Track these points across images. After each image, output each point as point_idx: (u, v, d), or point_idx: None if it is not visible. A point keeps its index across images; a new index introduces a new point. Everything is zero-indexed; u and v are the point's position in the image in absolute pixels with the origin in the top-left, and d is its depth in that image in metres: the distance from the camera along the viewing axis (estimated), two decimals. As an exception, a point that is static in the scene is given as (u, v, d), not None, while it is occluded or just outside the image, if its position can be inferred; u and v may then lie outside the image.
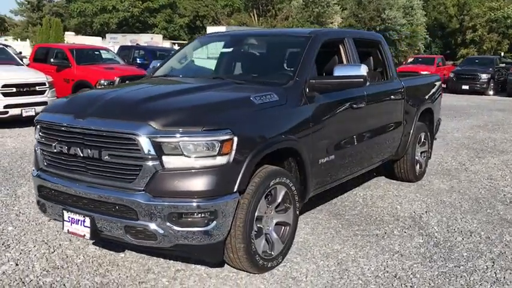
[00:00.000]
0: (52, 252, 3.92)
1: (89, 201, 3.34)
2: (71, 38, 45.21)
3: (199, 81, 4.18)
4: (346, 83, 4.12)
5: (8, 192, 5.54)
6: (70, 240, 4.15)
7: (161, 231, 3.15)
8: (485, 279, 3.70)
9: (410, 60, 25.88)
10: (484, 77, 21.51)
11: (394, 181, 6.45)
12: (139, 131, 3.10)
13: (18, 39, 46.90)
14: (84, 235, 3.37)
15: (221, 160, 3.18)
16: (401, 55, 55.73)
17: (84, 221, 3.35)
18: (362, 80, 4.08)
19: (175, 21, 55.96)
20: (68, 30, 48.84)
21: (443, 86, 23.69)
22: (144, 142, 3.09)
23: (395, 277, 3.70)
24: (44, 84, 10.66)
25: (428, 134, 6.60)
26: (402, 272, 3.79)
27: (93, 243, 4.08)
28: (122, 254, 3.94)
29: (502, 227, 4.84)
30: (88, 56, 13.58)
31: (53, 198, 3.58)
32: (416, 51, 57.39)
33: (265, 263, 3.60)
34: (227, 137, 3.19)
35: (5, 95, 9.94)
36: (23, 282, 3.42)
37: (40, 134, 3.61)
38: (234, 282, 3.54)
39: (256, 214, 3.47)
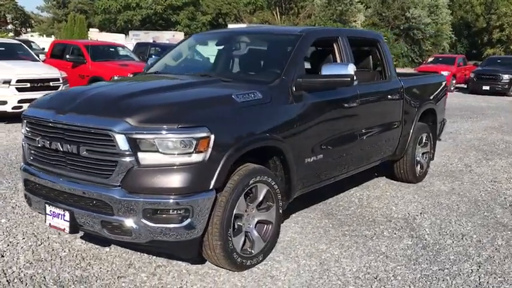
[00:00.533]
0: (39, 245, 4.00)
1: (69, 195, 3.40)
2: (95, 35, 45.84)
3: (185, 79, 4.20)
4: (333, 82, 4.09)
5: (9, 185, 5.65)
6: (59, 234, 4.22)
7: (136, 227, 3.19)
8: (468, 283, 3.65)
9: (430, 59, 25.47)
10: (506, 77, 21.04)
11: (394, 182, 6.39)
12: (115, 127, 3.14)
13: (44, 35, 47.77)
14: (64, 229, 3.43)
15: (197, 158, 3.20)
16: (425, 54, 54.96)
17: (64, 215, 3.40)
18: (349, 79, 4.05)
19: (198, 18, 56.23)
20: (92, 27, 49.58)
21: (464, 86, 23.44)
22: (120, 138, 3.13)
23: (375, 278, 3.67)
24: (57, 79, 10.83)
25: (431, 134, 6.50)
26: (384, 273, 3.76)
27: (81, 237, 4.14)
28: (107, 249, 3.99)
29: (496, 230, 4.76)
30: (103, 52, 13.76)
31: (37, 192, 3.65)
32: (441, 50, 56.53)
33: (244, 260, 3.61)
34: (203, 134, 3.20)
35: (19, 90, 10.12)
36: (5, 274, 3.49)
37: (26, 128, 3.69)
38: (212, 279, 3.55)
39: (234, 212, 3.48)
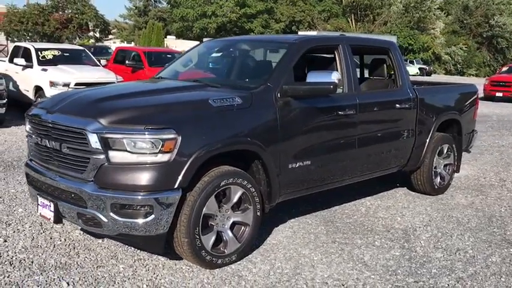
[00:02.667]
0: (40, 233, 4.37)
1: (54, 188, 3.73)
2: (172, 42, 47.77)
3: (174, 84, 4.43)
4: (316, 89, 4.15)
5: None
6: (63, 225, 4.57)
7: (105, 220, 3.44)
8: (438, 297, 3.57)
9: (504, 69, 24.14)
10: None
11: (413, 193, 6.25)
12: (88, 127, 3.41)
13: (125, 42, 50.41)
14: (50, 218, 3.75)
15: (162, 157, 3.40)
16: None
17: (50, 206, 3.73)
18: (331, 86, 4.09)
19: (272, 26, 56.88)
20: (170, 35, 51.65)
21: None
22: (92, 137, 3.40)
23: (343, 286, 3.69)
24: (113, 83, 11.51)
25: (454, 146, 6.30)
26: (354, 281, 3.76)
27: (80, 229, 4.46)
28: (99, 240, 4.28)
29: (498, 247, 4.57)
30: (160, 59, 14.38)
31: (33, 184, 4.02)
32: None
33: (214, 259, 3.76)
34: (169, 136, 3.40)
35: (76, 92, 10.85)
36: (0, 256, 3.87)
37: (28, 126, 4.07)
38: (183, 274, 3.73)
39: (204, 211, 3.64)
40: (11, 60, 12.73)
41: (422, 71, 49.13)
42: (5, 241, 4.19)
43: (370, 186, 6.26)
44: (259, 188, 4.04)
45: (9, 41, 30.71)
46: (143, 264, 3.87)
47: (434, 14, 59.69)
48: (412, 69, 49.41)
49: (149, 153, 3.39)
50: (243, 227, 3.98)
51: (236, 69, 4.89)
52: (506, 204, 5.96)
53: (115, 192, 3.41)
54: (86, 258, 3.93)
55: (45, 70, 11.52)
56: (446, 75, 55.04)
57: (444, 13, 62.97)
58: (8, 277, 3.55)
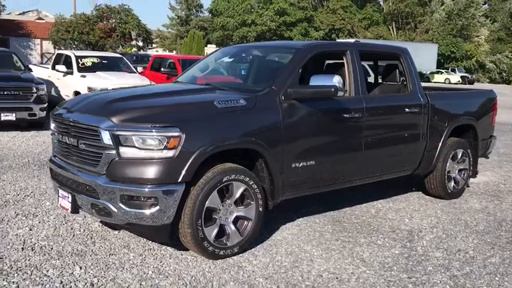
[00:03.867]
0: (63, 224, 4.74)
1: (72, 181, 4.08)
2: (212, 50, 48.63)
3: (185, 87, 4.74)
4: (318, 92, 4.37)
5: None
6: (84, 217, 4.93)
7: (115, 210, 3.75)
8: (428, 292, 3.70)
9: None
10: None
11: (427, 197, 6.33)
12: (101, 125, 3.75)
13: (167, 51, 51.64)
14: (68, 209, 4.11)
15: (167, 153, 3.70)
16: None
17: (68, 197, 4.08)
18: (332, 89, 4.30)
19: (311, 34, 57.06)
20: (210, 43, 52.54)
21: None
22: (105, 134, 3.73)
23: (336, 279, 3.87)
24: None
25: (469, 151, 6.35)
26: (348, 275, 3.93)
27: (100, 221, 4.81)
28: (115, 232, 4.61)
29: (500, 249, 4.63)
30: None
31: (55, 178, 4.39)
32: None
33: (216, 250, 4.01)
34: (174, 133, 3.70)
35: (112, 98, 11.38)
36: (24, 243, 4.25)
37: (52, 125, 4.45)
38: (187, 263, 4.01)
39: (207, 205, 3.91)
40: (53, 67, 13.45)
41: (464, 80, 48.10)
42: (30, 230, 4.58)
43: (384, 189, 6.39)
44: (262, 185, 4.27)
45: (56, 50, 32.07)
46: (152, 254, 4.16)
47: (478, 21, 58.45)
48: (454, 77, 48.53)
49: (155, 149, 3.69)
50: (245, 222, 4.22)
51: (246, 73, 5.15)
52: (520, 209, 5.97)
53: (124, 184, 3.72)
54: (101, 247, 4.26)
55: (84, 76, 12.14)
56: (491, 83, 53.60)
57: (490, 20, 61.55)
58: (28, 260, 3.91)
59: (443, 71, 50.87)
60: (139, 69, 16.08)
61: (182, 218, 3.86)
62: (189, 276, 3.78)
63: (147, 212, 3.72)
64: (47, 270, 3.74)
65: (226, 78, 5.52)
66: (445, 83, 47.05)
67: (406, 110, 5.47)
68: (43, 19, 37.41)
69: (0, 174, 6.61)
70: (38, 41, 35.06)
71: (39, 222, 4.79)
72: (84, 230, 4.63)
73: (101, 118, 3.81)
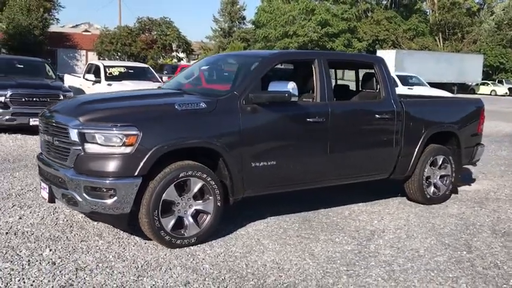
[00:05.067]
0: (50, 215, 5.27)
1: (50, 174, 4.59)
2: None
3: (156, 91, 5.20)
4: (274, 97, 4.73)
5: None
6: (71, 210, 5.43)
7: (80, 199, 4.23)
8: (348, 280, 3.95)
9: None
10: None
11: (409, 202, 6.48)
12: (70, 123, 4.25)
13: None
14: (46, 198, 4.63)
15: (125, 150, 4.15)
16: None
17: (46, 188, 4.60)
18: (286, 95, 4.65)
19: (354, 45, 56.89)
20: (253, 54, 53.21)
21: None
22: (72, 132, 4.23)
23: (277, 268, 4.18)
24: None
25: (451, 158, 6.49)
26: (289, 265, 4.24)
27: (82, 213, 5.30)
28: (95, 223, 5.08)
29: (453, 250, 4.80)
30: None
31: (40, 172, 4.93)
32: None
33: (173, 239, 4.42)
34: (132, 132, 4.15)
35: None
36: (10, 228, 4.80)
37: (39, 125, 5.00)
38: (147, 250, 4.43)
39: (164, 198, 4.33)
40: (84, 76, 14.31)
41: (512, 92, 46.64)
42: (20, 218, 5.13)
43: (366, 193, 6.63)
44: (224, 182, 4.65)
45: (101, 60, 33.61)
46: (119, 241, 4.61)
47: (529, 31, 56.58)
48: (501, 89, 47.21)
49: (115, 146, 4.15)
50: (204, 215, 4.61)
51: (215, 80, 5.57)
52: (497, 216, 6.06)
53: (88, 177, 4.20)
54: (76, 234, 4.75)
55: (110, 85, 12.91)
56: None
57: (542, 31, 59.41)
58: (8, 242, 4.44)
59: (489, 82, 49.52)
60: (165, 78, 16.79)
61: (141, 209, 4.29)
62: (143, 261, 4.20)
63: (107, 202, 4.17)
64: (20, 251, 4.26)
65: (204, 85, 5.95)
66: (490, 94, 45.82)
67: (377, 116, 5.71)
68: (89, 31, 39.30)
69: (15, 172, 7.27)
70: (83, 52, 36.87)
71: (30, 213, 5.34)
72: (68, 220, 5.13)
73: (70, 118, 4.31)
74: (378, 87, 6.06)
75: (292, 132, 5.09)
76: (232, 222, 5.26)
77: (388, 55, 40.41)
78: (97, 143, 4.17)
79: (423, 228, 5.45)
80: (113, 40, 32.70)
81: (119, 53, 32.99)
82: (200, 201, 4.58)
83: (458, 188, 7.37)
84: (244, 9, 58.14)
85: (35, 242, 4.48)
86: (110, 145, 4.16)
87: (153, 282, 3.79)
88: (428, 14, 63.44)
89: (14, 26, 31.98)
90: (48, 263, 4.04)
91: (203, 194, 4.59)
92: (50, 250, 4.31)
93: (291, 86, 4.69)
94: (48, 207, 5.53)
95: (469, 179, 8.10)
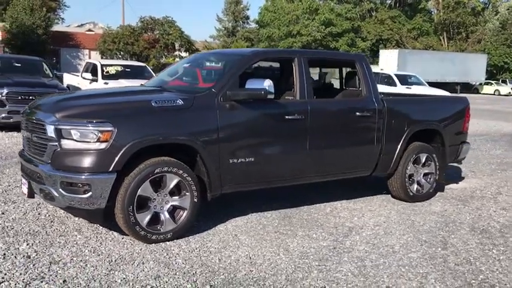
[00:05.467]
0: (33, 210, 5.35)
1: (29, 170, 4.67)
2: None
3: (136, 88, 5.26)
4: (251, 94, 4.78)
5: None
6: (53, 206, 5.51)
7: (57, 194, 4.29)
8: (319, 275, 4.01)
9: None
10: None
11: (393, 200, 6.52)
12: (47, 120, 4.32)
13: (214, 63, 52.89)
14: (26, 194, 4.70)
15: (100, 145, 4.21)
16: None
17: (26, 184, 4.67)
18: (262, 92, 4.70)
19: (358, 44, 56.76)
20: (256, 53, 53.24)
21: None
22: (49, 128, 4.30)
23: (250, 263, 4.24)
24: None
25: (435, 156, 6.51)
26: (262, 260, 4.29)
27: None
28: (76, 219, 5.15)
29: (428, 246, 4.83)
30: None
31: (21, 168, 5.00)
32: None
33: (148, 234, 4.48)
34: (106, 128, 4.21)
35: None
36: (-9, 223, 4.88)
37: (21, 123, 5.08)
38: (122, 245, 4.49)
39: (139, 193, 4.39)
40: (82, 75, 14.42)
41: (515, 91, 46.44)
42: (3, 213, 5.22)
43: (352, 191, 6.69)
44: (197, 177, 4.70)
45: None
46: (97, 237, 4.68)
47: (535, 31, 56.26)
48: (504, 89, 47.03)
49: (91, 142, 4.22)
50: (181, 211, 4.66)
51: (196, 77, 5.63)
52: (478, 214, 6.08)
53: (64, 172, 4.26)
54: (56, 229, 4.82)
55: (106, 83, 12.98)
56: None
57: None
58: (-13, 237, 4.52)
59: (493, 82, 49.35)
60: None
61: (116, 204, 4.36)
62: (118, 255, 4.26)
63: (83, 197, 4.23)
64: (-3, 245, 4.33)
65: (183, 82, 6.00)
66: (494, 94, 45.67)
67: (357, 113, 5.75)
68: (93, 31, 39.48)
69: (5, 169, 7.36)
70: (86, 51, 37.05)
71: (14, 208, 5.42)
72: (49, 216, 5.21)
73: (47, 114, 4.38)
74: (360, 85, 6.09)
75: (270, 129, 5.14)
76: (212, 218, 5.32)
77: (390, 55, 40.42)
78: (73, 139, 4.24)
79: (402, 225, 5.48)
80: (116, 39, 32.84)
81: (121, 52, 33.11)
82: (177, 197, 4.64)
83: (445, 186, 7.41)
84: (248, 9, 58.37)
85: (13, 237, 4.55)
86: (85, 141, 4.22)
87: (124, 276, 3.86)
88: (432, 13, 63.23)
89: (17, 25, 32.27)
90: (23, 256, 4.11)
91: (180, 190, 4.65)
92: (27, 244, 4.38)
93: (267, 84, 4.74)
94: (32, 202, 5.60)
95: (457, 177, 8.13)
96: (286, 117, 5.20)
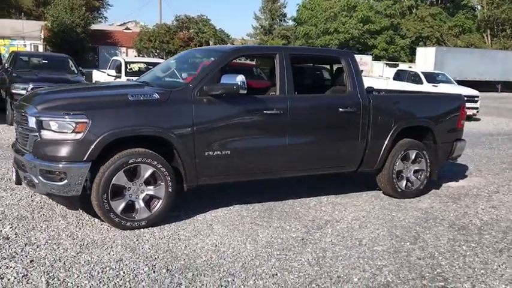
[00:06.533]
0: (27, 197, 5.70)
1: (17, 159, 5.00)
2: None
3: (118, 83, 5.52)
4: (224, 88, 4.94)
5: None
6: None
7: (37, 182, 4.60)
8: (278, 265, 4.14)
9: None
10: None
11: (383, 196, 6.55)
12: (29, 112, 4.64)
13: (248, 59, 53.21)
14: (14, 181, 5.04)
15: (75, 136, 4.49)
16: None
17: (14, 172, 5.02)
18: (234, 87, 4.87)
19: (397, 42, 55.83)
20: (293, 51, 53.15)
21: None
22: (31, 119, 4.61)
23: (214, 250, 4.42)
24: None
25: (425, 153, 6.51)
26: (226, 248, 4.46)
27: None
28: (62, 206, 5.47)
29: (398, 241, 4.89)
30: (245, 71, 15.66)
31: (14, 158, 5.35)
32: None
33: (123, 221, 4.73)
34: (81, 120, 4.49)
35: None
36: (-15, 208, 5.26)
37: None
38: (99, 231, 4.75)
39: (113, 182, 4.64)
40: (107, 72, 14.93)
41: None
42: (-1, 199, 5.60)
43: (345, 186, 6.79)
44: (173, 168, 4.92)
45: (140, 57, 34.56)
46: (79, 223, 4.96)
47: None
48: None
49: (68, 133, 4.50)
50: (156, 200, 4.90)
51: (178, 73, 5.84)
52: (464, 211, 6.05)
53: (43, 161, 4.56)
54: (42, 215, 5.14)
55: (129, 80, 13.40)
56: None
57: None
58: (-24, 219, 4.89)
59: (537, 80, 47.46)
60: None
61: (92, 192, 4.63)
62: (91, 239, 4.54)
63: (59, 184, 4.53)
64: (-18, 227, 4.68)
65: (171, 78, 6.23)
66: (538, 93, 43.93)
67: (340, 109, 5.82)
68: (130, 29, 40.48)
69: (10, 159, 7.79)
70: (123, 49, 38.07)
71: (11, 195, 5.79)
72: (41, 203, 5.55)
73: (30, 107, 4.70)
74: (346, 81, 6.16)
75: (247, 124, 5.30)
76: (194, 208, 5.53)
77: (427, 52, 39.60)
78: (51, 130, 4.53)
79: (381, 220, 5.53)
80: (152, 38, 33.60)
81: (157, 50, 33.85)
82: (152, 187, 4.87)
83: (444, 184, 7.39)
84: (285, 7, 58.18)
85: (0, 220, 4.90)
86: (62, 132, 4.51)
87: (89, 258, 4.11)
88: (476, 10, 61.40)
89: (58, 24, 33.60)
90: (2, 237, 4.44)
91: (155, 180, 4.87)
92: (11, 227, 4.71)
93: (240, 79, 4.90)
94: (28, 190, 5.96)
95: (460, 175, 8.05)
96: (265, 112, 5.34)
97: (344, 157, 6.03)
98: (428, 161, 6.56)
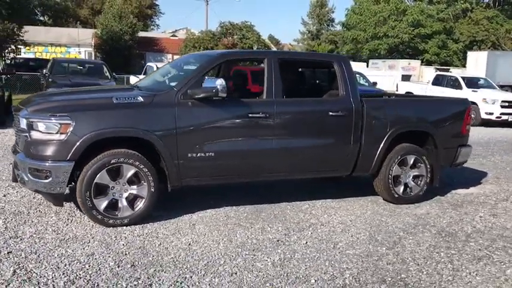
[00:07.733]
0: (31, 194, 6.04)
1: (14, 159, 5.34)
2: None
3: (109, 88, 5.76)
4: (203, 91, 5.09)
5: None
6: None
7: (26, 179, 4.91)
8: (242, 265, 4.22)
9: None
10: None
11: (381, 201, 6.49)
12: (21, 114, 4.96)
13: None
14: (12, 178, 5.38)
15: (60, 137, 4.76)
16: None
17: (11, 170, 5.36)
18: (213, 90, 5.00)
19: (449, 46, 54.25)
20: (341, 56, 52.69)
21: None
22: (22, 120, 4.93)
23: (187, 249, 4.55)
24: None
25: (425, 158, 6.39)
26: (198, 247, 4.59)
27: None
28: (65, 203, 5.77)
29: (375, 245, 4.86)
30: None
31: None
32: None
33: (105, 219, 4.96)
34: (65, 121, 4.75)
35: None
36: (-12, 203, 5.63)
37: (16, 118, 5.79)
38: (83, 227, 5.00)
39: (96, 180, 4.88)
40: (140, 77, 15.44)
41: None
42: (4, 196, 5.97)
43: (346, 190, 6.77)
44: (155, 169, 5.10)
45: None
46: (69, 219, 5.23)
47: None
48: None
49: (53, 133, 4.78)
50: (139, 199, 5.09)
51: (168, 77, 6.03)
52: (460, 218, 5.90)
53: (31, 159, 4.86)
54: (38, 211, 5.46)
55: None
56: None
57: None
58: (-24, 213, 5.26)
59: None
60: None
61: (76, 190, 4.88)
62: (73, 234, 4.78)
63: (44, 181, 4.81)
64: (-22, 220, 5.03)
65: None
66: None
67: (330, 113, 5.83)
68: (176, 36, 41.47)
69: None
70: (169, 55, 39.04)
71: (16, 192, 6.16)
72: (41, 199, 5.87)
73: (23, 109, 5.02)
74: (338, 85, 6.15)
75: (231, 127, 5.40)
76: (183, 208, 5.68)
77: (479, 57, 38.23)
78: (39, 131, 4.82)
79: (367, 224, 5.50)
80: (196, 44, 34.32)
81: (201, 56, 34.52)
82: (135, 187, 5.07)
83: (453, 190, 7.23)
84: (333, 12, 57.96)
85: (-3, 215, 5.25)
86: (49, 132, 4.79)
87: (63, 252, 4.35)
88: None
89: (107, 32, 35.00)
90: (-7, 231, 4.76)
91: (139, 179, 5.07)
92: (4, 221, 5.04)
93: (219, 83, 5.03)
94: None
95: (474, 182, 7.84)
96: (250, 115, 5.43)
97: (336, 161, 6.02)
98: (428, 166, 6.43)
